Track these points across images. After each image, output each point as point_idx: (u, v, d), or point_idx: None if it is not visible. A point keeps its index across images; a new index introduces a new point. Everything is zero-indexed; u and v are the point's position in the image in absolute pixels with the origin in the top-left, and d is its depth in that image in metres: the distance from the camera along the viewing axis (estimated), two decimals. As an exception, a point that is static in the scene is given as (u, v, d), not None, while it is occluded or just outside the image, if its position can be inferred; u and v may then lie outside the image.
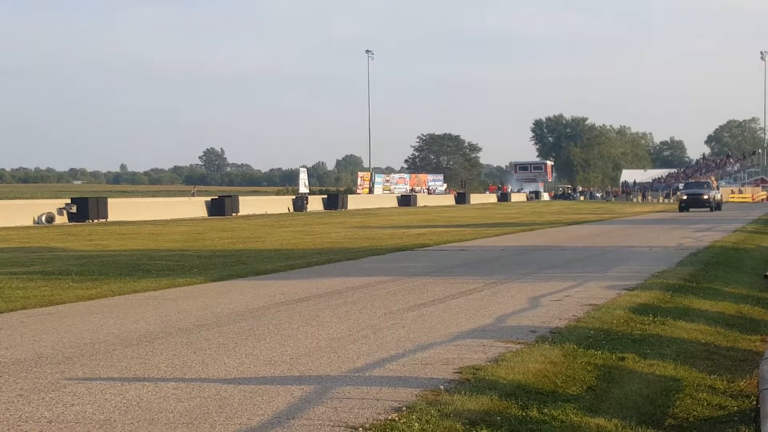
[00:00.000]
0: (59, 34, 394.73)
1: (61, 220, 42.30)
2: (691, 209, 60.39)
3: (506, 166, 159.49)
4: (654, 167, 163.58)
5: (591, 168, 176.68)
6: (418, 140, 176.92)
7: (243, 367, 8.18)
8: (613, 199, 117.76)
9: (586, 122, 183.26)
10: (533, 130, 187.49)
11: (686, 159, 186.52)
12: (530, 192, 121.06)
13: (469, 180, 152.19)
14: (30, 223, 40.33)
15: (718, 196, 65.05)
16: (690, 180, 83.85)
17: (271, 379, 7.69)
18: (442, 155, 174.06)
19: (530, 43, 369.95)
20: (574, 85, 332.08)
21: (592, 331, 9.97)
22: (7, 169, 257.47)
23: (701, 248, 23.49)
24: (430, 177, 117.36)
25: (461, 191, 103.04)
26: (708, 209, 60.27)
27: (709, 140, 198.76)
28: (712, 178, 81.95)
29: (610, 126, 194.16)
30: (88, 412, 6.57)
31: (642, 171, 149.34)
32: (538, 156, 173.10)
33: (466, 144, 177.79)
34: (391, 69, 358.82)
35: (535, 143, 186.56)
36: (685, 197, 62.70)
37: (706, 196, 61.35)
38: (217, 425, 6.22)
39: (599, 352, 8.80)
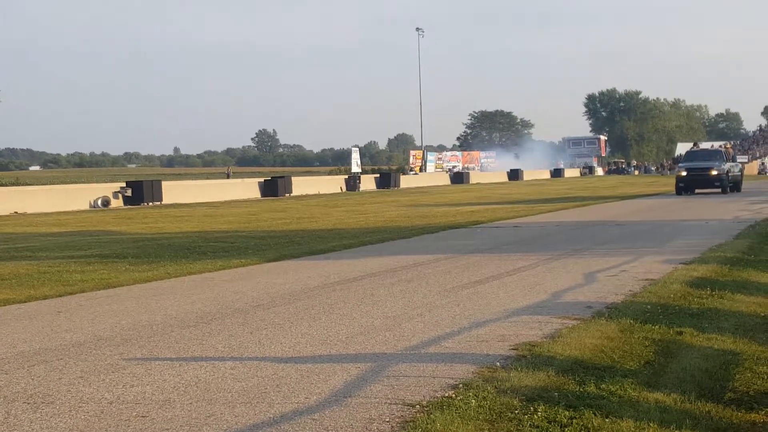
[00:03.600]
0: (112, 17, 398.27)
1: (117, 203, 42.79)
2: (696, 191, 43.07)
3: (559, 142, 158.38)
4: (709, 140, 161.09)
5: (645, 142, 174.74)
6: (469, 117, 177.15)
7: (299, 347, 8.21)
8: (668, 172, 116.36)
9: (640, 96, 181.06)
10: (586, 105, 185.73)
11: (742, 131, 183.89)
12: (584, 167, 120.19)
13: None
14: (86, 206, 40.83)
15: (735, 170, 45.23)
16: (693, 149, 53.71)
17: (327, 357, 7.72)
18: (495, 132, 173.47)
19: (582, 15, 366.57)
20: (626, 58, 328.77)
21: (648, 306, 9.87)
22: (63, 154, 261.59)
23: (759, 221, 23.15)
24: (482, 154, 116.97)
25: (514, 168, 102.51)
26: (718, 190, 42.48)
27: (766, 111, 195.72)
28: (728, 146, 64.12)
29: (664, 99, 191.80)
30: (147, 393, 6.64)
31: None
32: (591, 131, 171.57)
33: (518, 120, 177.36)
34: (443, 46, 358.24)
35: (588, 118, 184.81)
36: (683, 173, 43.51)
37: (715, 172, 42.44)
38: (275, 404, 6.26)
39: (656, 326, 8.70)
